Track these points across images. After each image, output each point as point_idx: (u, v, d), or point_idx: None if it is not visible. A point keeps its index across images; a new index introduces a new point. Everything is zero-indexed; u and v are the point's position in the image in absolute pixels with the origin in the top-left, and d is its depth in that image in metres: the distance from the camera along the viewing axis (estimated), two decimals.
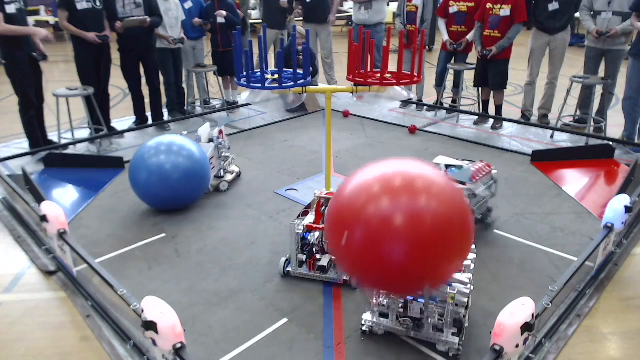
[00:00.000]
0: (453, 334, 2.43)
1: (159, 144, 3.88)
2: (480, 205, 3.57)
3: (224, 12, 6.31)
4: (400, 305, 2.47)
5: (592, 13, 5.50)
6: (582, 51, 6.00)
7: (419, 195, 1.96)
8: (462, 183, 3.36)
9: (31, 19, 5.23)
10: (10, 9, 4.66)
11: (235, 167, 4.70)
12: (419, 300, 2.42)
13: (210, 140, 4.41)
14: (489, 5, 5.68)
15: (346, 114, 6.71)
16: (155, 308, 2.09)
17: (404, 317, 2.48)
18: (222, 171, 4.45)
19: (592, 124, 5.74)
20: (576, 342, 2.58)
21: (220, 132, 4.45)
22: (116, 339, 2.61)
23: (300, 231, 3.04)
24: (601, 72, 5.71)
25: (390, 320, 2.53)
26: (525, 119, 6.15)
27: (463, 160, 3.71)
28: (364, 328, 2.60)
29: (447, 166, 3.59)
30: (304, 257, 3.06)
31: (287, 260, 3.13)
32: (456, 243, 2.03)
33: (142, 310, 2.11)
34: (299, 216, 3.23)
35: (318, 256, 3.06)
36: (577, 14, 5.84)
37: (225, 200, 4.20)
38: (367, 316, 2.60)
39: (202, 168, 3.97)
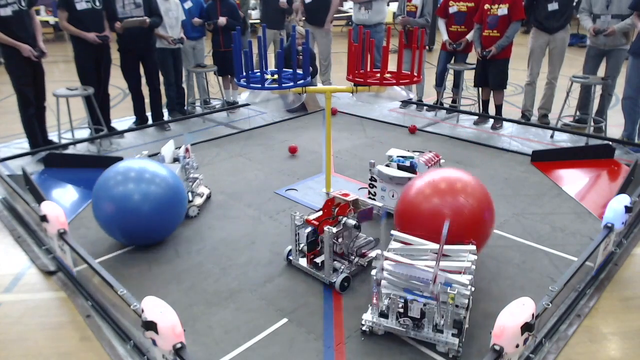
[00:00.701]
0: (453, 335, 2.43)
1: (123, 170, 3.34)
2: None
3: (224, 21, 6.33)
4: (400, 305, 2.47)
5: (591, 16, 5.50)
6: (582, 51, 6.01)
7: (458, 194, 2.82)
8: (415, 172, 3.59)
9: (37, 18, 5.17)
10: (5, 11, 4.63)
11: (205, 188, 4.25)
12: (419, 300, 2.42)
13: (176, 160, 3.98)
14: (486, 6, 5.69)
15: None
16: (155, 308, 2.09)
17: (404, 317, 2.48)
18: (190, 194, 3.92)
19: (592, 124, 5.75)
20: (576, 342, 2.58)
21: (187, 150, 4.01)
22: (116, 339, 2.61)
23: (299, 223, 3.09)
24: (601, 72, 5.70)
25: (390, 320, 2.53)
26: (525, 119, 6.16)
27: (414, 151, 3.82)
28: (364, 328, 2.60)
29: (399, 157, 3.67)
30: (305, 249, 3.14)
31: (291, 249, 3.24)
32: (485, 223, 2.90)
33: (142, 310, 2.11)
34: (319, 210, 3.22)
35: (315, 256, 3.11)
36: (577, 15, 5.85)
37: (225, 200, 4.20)
38: (367, 316, 2.60)
39: (176, 195, 3.42)
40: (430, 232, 2.70)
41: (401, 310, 2.48)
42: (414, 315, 2.46)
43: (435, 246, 2.63)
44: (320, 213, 3.14)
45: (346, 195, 3.16)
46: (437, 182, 2.94)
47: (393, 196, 3.69)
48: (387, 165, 3.77)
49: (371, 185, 3.80)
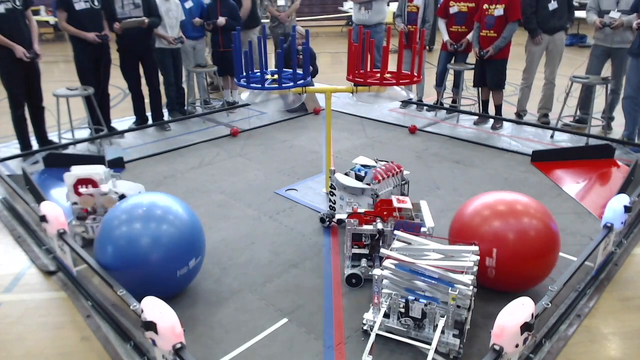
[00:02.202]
0: (454, 336, 2.43)
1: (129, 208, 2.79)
2: None
3: (223, 21, 6.33)
4: (401, 305, 2.47)
5: (598, 14, 5.49)
6: (583, 51, 6.01)
7: (521, 217, 2.76)
8: (368, 184, 3.47)
9: (34, 19, 5.16)
10: None
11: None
12: (420, 300, 2.43)
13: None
14: (485, 6, 5.70)
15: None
16: (154, 308, 2.09)
17: (405, 317, 2.48)
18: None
19: (597, 123, 5.73)
20: (576, 342, 2.58)
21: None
22: (116, 339, 2.61)
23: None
24: (606, 72, 5.68)
25: (391, 320, 2.53)
26: (518, 118, 6.17)
27: (379, 160, 3.72)
28: (365, 327, 2.60)
29: (363, 166, 3.62)
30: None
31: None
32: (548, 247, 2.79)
33: (142, 311, 2.12)
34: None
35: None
36: (578, 14, 5.84)
37: (226, 200, 4.20)
38: (368, 315, 2.61)
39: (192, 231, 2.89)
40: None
41: (402, 310, 2.48)
42: (415, 315, 2.46)
43: (437, 246, 2.64)
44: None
45: (403, 201, 3.08)
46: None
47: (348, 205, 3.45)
48: (346, 174, 3.64)
49: (331, 194, 3.69)
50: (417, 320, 2.47)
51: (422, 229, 2.88)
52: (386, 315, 2.56)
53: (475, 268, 2.52)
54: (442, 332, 2.42)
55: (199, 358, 2.45)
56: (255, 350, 2.53)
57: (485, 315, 2.71)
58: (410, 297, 2.45)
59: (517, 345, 2.05)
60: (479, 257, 2.59)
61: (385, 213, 3.08)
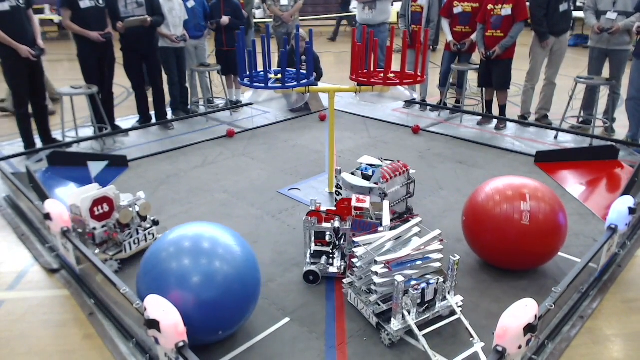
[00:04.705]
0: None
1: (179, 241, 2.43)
2: (397, 203, 3.60)
3: (226, 20, 6.34)
4: (418, 295, 2.51)
5: (595, 14, 5.48)
6: (586, 52, 5.98)
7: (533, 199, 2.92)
8: (376, 183, 3.47)
9: (36, 17, 5.16)
10: (3, 6, 4.63)
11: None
12: (430, 282, 2.53)
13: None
14: (490, 6, 5.68)
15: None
16: (158, 306, 2.09)
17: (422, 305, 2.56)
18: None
19: (600, 124, 5.71)
20: (579, 344, 2.57)
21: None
22: (119, 337, 2.61)
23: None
24: (606, 73, 5.68)
25: (412, 316, 2.51)
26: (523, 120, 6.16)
27: (385, 160, 3.72)
28: (390, 339, 2.51)
29: (369, 165, 3.63)
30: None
31: None
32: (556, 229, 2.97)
33: (145, 309, 2.12)
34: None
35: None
36: (582, 15, 5.82)
37: (228, 200, 4.21)
38: (395, 325, 2.49)
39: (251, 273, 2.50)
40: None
41: (419, 300, 2.53)
42: (430, 297, 2.55)
43: (390, 234, 2.73)
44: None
45: (362, 200, 3.10)
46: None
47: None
48: (352, 173, 3.63)
49: (337, 193, 3.69)
50: (430, 302, 2.56)
51: (379, 229, 2.88)
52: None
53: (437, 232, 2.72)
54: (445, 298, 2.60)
55: (200, 357, 2.45)
56: (257, 349, 2.54)
57: (488, 316, 2.71)
58: (423, 285, 2.51)
59: (520, 347, 2.04)
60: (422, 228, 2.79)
61: (345, 212, 3.11)
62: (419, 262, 2.60)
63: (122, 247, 3.21)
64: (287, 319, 2.75)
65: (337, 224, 3.06)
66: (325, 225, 3.10)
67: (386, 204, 3.08)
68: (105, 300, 2.85)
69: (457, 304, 2.63)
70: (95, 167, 4.73)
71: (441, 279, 2.57)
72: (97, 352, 2.55)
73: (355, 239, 2.72)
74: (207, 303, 2.27)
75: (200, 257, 2.33)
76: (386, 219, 2.93)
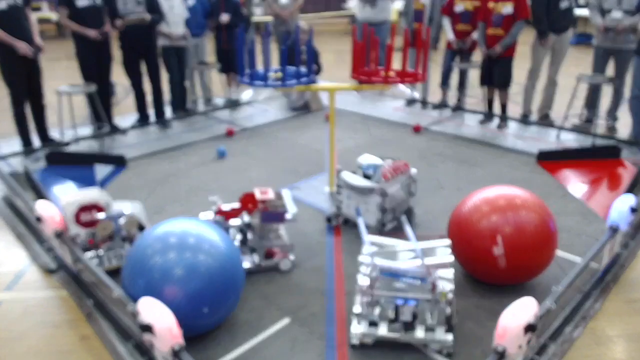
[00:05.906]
0: (446, 331, 2.41)
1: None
2: (399, 203, 3.55)
3: (226, 18, 6.32)
4: (390, 310, 2.43)
5: (600, 12, 5.44)
6: (588, 50, 5.95)
7: (519, 211, 2.76)
8: (377, 182, 3.43)
9: (33, 15, 5.14)
10: (1, 5, 4.60)
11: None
12: (409, 303, 2.39)
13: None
14: (491, 5, 5.65)
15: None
16: (151, 310, 2.07)
17: (395, 323, 2.45)
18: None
19: (604, 123, 5.68)
20: (581, 345, 2.55)
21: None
22: (117, 338, 2.59)
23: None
24: (609, 72, 5.64)
25: (381, 328, 2.46)
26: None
27: (386, 159, 3.67)
28: (353, 341, 2.47)
29: (370, 164, 3.59)
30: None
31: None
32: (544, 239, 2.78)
33: (138, 312, 2.09)
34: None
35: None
36: (583, 12, 5.79)
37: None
38: (355, 329, 2.47)
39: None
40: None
41: (392, 317, 2.44)
42: (406, 319, 2.41)
43: (410, 245, 2.60)
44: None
45: (265, 192, 3.13)
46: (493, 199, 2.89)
47: (356, 206, 3.47)
48: (353, 172, 3.60)
49: (338, 192, 3.64)
50: (407, 324, 2.42)
51: (287, 216, 3.02)
52: (373, 324, 2.47)
53: (452, 259, 2.52)
54: (432, 329, 2.40)
55: (199, 358, 2.43)
56: (256, 350, 2.51)
57: (489, 315, 2.68)
58: (399, 301, 2.40)
59: (520, 347, 2.02)
60: (451, 250, 2.58)
61: (250, 206, 3.12)
62: (418, 282, 2.39)
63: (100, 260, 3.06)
64: (287, 320, 2.72)
65: (245, 218, 3.07)
66: (234, 221, 3.10)
67: (286, 192, 3.18)
68: (103, 300, 2.82)
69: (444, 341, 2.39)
70: (98, 169, 4.71)
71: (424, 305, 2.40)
72: (95, 353, 2.53)
73: (370, 238, 2.66)
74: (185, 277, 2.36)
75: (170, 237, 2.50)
76: (291, 207, 3.01)
